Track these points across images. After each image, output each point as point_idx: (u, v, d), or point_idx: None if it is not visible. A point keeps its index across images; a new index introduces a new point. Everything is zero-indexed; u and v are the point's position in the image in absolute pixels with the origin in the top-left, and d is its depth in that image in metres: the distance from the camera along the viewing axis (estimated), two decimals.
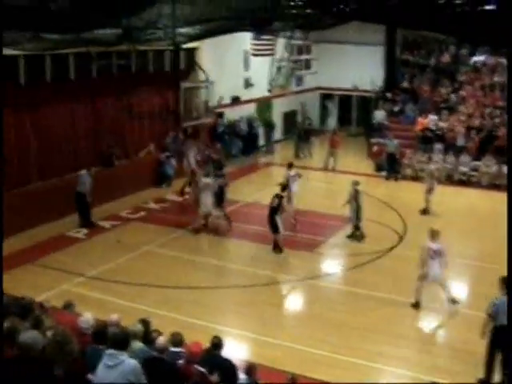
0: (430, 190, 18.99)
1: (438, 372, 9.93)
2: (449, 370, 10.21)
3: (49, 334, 6.59)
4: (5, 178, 15.28)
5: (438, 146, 24.10)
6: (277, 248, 15.47)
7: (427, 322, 12.47)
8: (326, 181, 23.63)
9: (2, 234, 12.46)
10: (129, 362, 6.13)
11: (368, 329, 11.75)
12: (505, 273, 9.99)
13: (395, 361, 10.67)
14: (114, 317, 7.83)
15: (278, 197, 15.51)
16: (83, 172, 17.07)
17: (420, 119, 25.77)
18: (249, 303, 12.97)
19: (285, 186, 16.45)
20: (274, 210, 15.23)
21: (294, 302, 13.80)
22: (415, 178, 23.21)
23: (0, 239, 12.03)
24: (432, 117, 25.66)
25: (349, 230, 16.76)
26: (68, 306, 8.86)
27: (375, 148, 25.58)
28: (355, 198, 16.48)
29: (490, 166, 22.73)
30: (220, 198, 16.76)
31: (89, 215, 17.28)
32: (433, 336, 11.95)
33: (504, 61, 27.15)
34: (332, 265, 15.67)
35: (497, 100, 25.87)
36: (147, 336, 7.72)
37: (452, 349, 11.24)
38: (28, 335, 6.16)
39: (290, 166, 18.03)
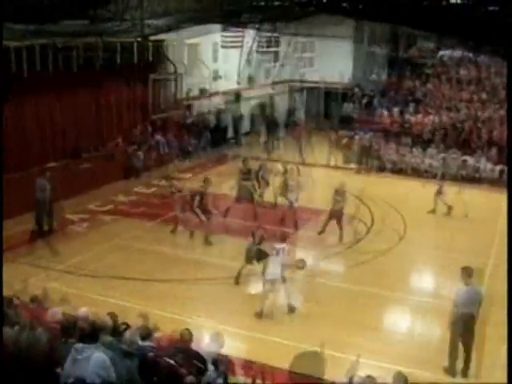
0: (440, 192, 18.56)
1: (404, 361, 10.06)
2: (415, 360, 10.37)
3: (16, 328, 6.55)
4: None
5: (405, 140, 24.39)
6: None
7: (394, 313, 12.67)
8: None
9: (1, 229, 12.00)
10: (97, 356, 6.13)
11: (337, 319, 11.87)
12: (467, 263, 10.26)
13: (363, 351, 10.76)
14: (83, 310, 7.79)
15: None
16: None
17: (386, 113, 26.01)
18: (219, 296, 13.01)
19: None
20: None
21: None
22: (383, 170, 23.60)
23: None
24: (396, 109, 25.92)
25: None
26: (35, 299, 8.79)
27: (344, 140, 25.74)
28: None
29: (455, 158, 23.06)
30: None
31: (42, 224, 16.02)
32: (399, 326, 12.11)
33: (470, 55, 27.57)
34: (302, 257, 15.73)
35: (463, 93, 26.22)
36: (115, 329, 7.70)
37: (418, 338, 11.43)
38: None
39: None
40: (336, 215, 16.24)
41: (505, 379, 9.44)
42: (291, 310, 12.16)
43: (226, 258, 14.93)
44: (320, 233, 16.41)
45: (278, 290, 12.21)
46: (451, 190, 18.82)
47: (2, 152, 14.98)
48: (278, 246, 12.25)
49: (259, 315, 11.95)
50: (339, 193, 16.22)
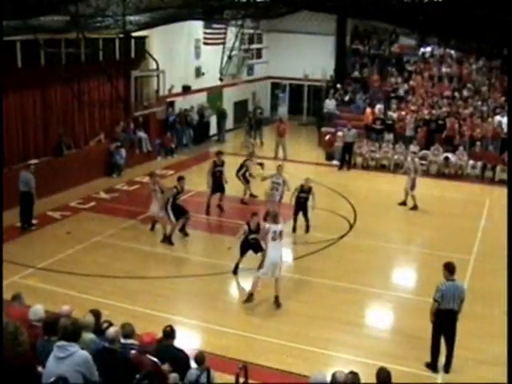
0: (413, 187, 18.68)
1: (386, 357, 10.12)
2: (397, 355, 10.43)
3: None
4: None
5: (388, 137, 24.51)
6: None
7: (375, 309, 12.72)
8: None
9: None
10: (80, 354, 6.08)
11: (318, 316, 11.89)
12: (449, 259, 10.31)
13: (345, 347, 10.84)
14: (65, 308, 7.75)
15: None
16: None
17: (368, 109, 26.08)
18: (201, 292, 12.99)
19: None
20: None
21: (246, 291, 13.83)
22: (366, 167, 23.72)
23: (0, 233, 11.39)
24: (379, 106, 26.00)
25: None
26: (16, 297, 8.70)
27: (327, 137, 25.77)
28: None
29: (437, 155, 23.21)
30: None
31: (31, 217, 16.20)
32: (381, 322, 12.16)
33: (452, 52, 27.74)
34: (283, 253, 15.75)
35: (445, 90, 26.39)
36: (98, 326, 7.66)
37: (400, 334, 11.46)
38: None
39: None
40: (301, 208, 16.36)
41: (487, 375, 9.62)
42: (278, 305, 12.18)
43: (207, 256, 14.95)
44: (294, 230, 16.44)
45: (274, 276, 12.21)
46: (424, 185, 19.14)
47: (1, 150, 14.83)
48: (274, 227, 12.21)
49: (249, 299, 12.18)
50: (305, 189, 16.27)
